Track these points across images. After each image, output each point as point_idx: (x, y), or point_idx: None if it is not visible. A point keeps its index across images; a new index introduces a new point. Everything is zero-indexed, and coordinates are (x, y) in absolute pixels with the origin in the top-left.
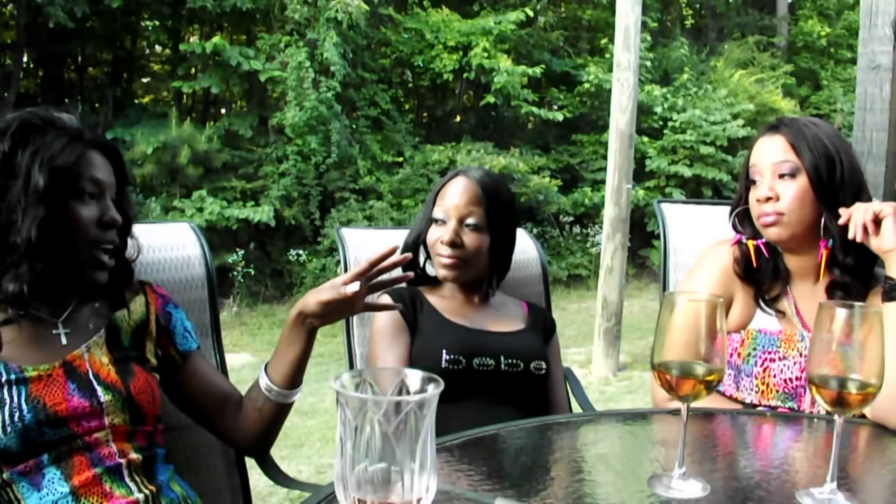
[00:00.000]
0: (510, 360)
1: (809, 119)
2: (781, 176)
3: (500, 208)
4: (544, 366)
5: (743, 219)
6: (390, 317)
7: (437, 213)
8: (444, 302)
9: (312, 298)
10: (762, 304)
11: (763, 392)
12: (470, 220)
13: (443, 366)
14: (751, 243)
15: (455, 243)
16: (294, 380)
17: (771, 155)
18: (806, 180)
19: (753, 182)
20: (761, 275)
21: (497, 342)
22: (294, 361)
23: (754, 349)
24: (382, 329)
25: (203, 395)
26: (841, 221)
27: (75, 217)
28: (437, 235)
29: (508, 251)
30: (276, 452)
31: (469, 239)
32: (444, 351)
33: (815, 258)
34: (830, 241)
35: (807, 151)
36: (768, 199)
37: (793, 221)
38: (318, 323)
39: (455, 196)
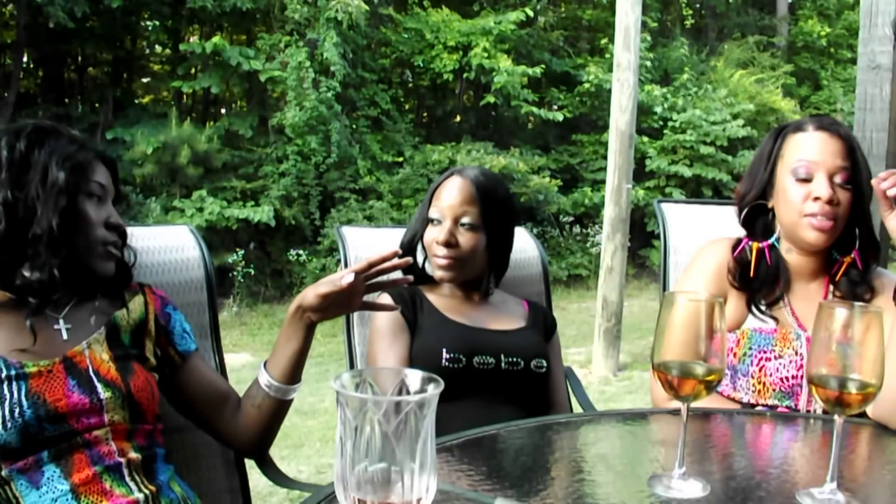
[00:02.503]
0: (510, 359)
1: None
2: (837, 182)
3: (495, 207)
4: (545, 364)
5: (755, 214)
6: (390, 315)
7: (433, 213)
8: (444, 300)
9: (311, 292)
10: (754, 311)
11: (760, 391)
12: (465, 220)
13: (443, 364)
14: (755, 246)
15: (450, 243)
16: (293, 375)
17: (832, 157)
18: (856, 191)
19: (805, 179)
20: (758, 283)
21: (497, 340)
22: (293, 357)
23: (750, 349)
24: (382, 328)
25: (201, 396)
26: (886, 186)
27: (86, 215)
28: (433, 236)
29: (506, 249)
30: (276, 452)
31: (464, 239)
32: (444, 350)
33: (819, 260)
34: (851, 250)
35: (861, 162)
36: (830, 201)
37: (839, 230)
38: (316, 318)
39: (450, 196)
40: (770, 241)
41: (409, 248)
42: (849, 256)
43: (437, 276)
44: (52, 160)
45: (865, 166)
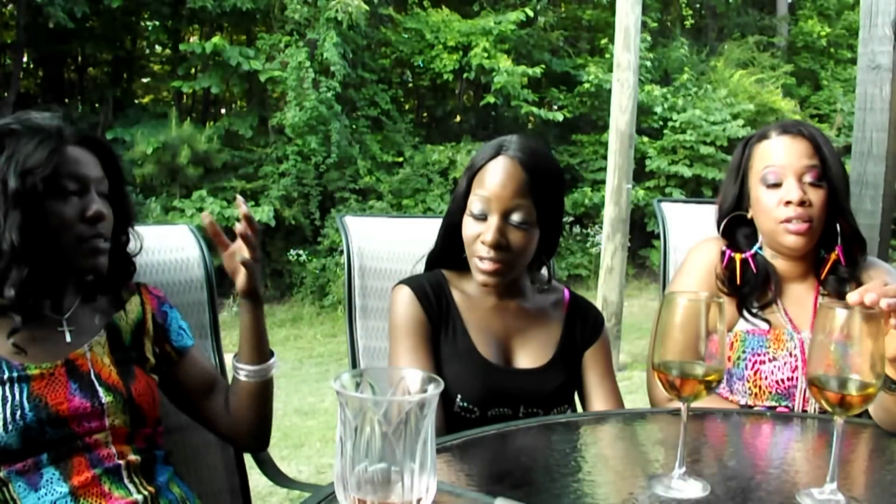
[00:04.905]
0: (529, 410)
1: (813, 126)
2: (807, 181)
3: (551, 194)
4: (566, 407)
5: (735, 225)
6: (411, 313)
7: (475, 205)
8: (472, 306)
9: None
10: (746, 315)
11: (756, 394)
12: (516, 217)
13: (455, 409)
14: (738, 257)
15: (500, 245)
16: (255, 353)
17: (798, 159)
18: (828, 187)
19: (775, 185)
20: (747, 289)
21: (518, 386)
22: (246, 335)
23: (744, 352)
24: (401, 326)
25: (199, 391)
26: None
27: (55, 216)
28: (476, 232)
29: (556, 238)
30: (276, 453)
31: (515, 237)
32: (458, 396)
33: (807, 262)
34: (834, 247)
35: (830, 158)
36: (802, 202)
37: (817, 230)
38: (241, 293)
39: (496, 184)
40: (753, 251)
41: (447, 242)
42: (833, 253)
43: (480, 280)
44: (9, 168)
45: (835, 161)
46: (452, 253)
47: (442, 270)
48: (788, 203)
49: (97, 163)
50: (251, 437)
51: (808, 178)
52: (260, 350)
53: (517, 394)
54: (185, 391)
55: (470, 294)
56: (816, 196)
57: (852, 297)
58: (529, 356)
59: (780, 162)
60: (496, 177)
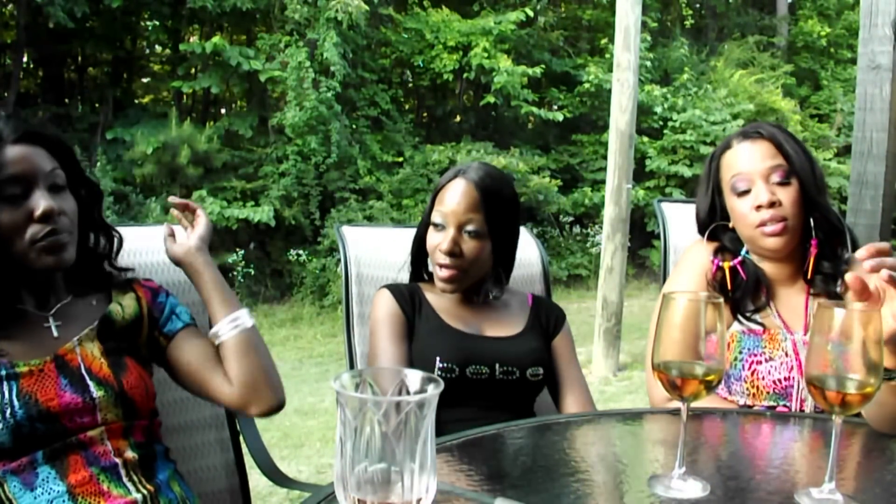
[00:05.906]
0: (505, 368)
1: (774, 123)
2: (775, 182)
3: (501, 211)
4: (541, 371)
5: (719, 235)
6: (390, 309)
7: (436, 217)
8: (443, 301)
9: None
10: (741, 319)
11: (754, 394)
12: (469, 228)
13: (435, 373)
14: (727, 265)
15: (454, 252)
16: (222, 309)
17: (761, 161)
18: (798, 183)
19: (745, 192)
20: (739, 294)
21: (493, 348)
22: (204, 298)
23: (740, 352)
24: (383, 321)
25: (196, 368)
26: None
27: (2, 224)
28: (436, 242)
29: (511, 252)
30: (276, 452)
31: (469, 247)
32: (437, 358)
33: (795, 262)
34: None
35: (793, 154)
36: (772, 203)
37: (794, 227)
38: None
39: (453, 201)
40: (740, 258)
41: (418, 252)
42: (813, 248)
43: (440, 287)
44: None
45: (801, 156)
46: (424, 264)
47: (417, 283)
48: (759, 207)
49: (46, 155)
50: (256, 395)
51: (774, 179)
52: (221, 307)
53: (492, 354)
54: (182, 370)
55: (440, 295)
56: (786, 194)
57: (860, 253)
58: (500, 331)
59: (744, 168)
60: (454, 196)
